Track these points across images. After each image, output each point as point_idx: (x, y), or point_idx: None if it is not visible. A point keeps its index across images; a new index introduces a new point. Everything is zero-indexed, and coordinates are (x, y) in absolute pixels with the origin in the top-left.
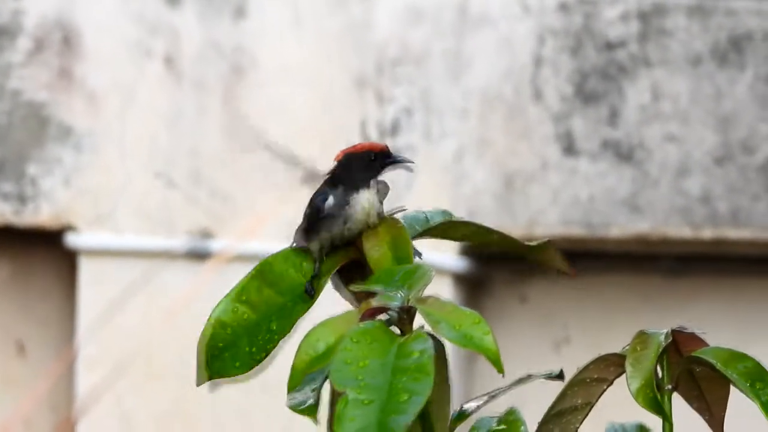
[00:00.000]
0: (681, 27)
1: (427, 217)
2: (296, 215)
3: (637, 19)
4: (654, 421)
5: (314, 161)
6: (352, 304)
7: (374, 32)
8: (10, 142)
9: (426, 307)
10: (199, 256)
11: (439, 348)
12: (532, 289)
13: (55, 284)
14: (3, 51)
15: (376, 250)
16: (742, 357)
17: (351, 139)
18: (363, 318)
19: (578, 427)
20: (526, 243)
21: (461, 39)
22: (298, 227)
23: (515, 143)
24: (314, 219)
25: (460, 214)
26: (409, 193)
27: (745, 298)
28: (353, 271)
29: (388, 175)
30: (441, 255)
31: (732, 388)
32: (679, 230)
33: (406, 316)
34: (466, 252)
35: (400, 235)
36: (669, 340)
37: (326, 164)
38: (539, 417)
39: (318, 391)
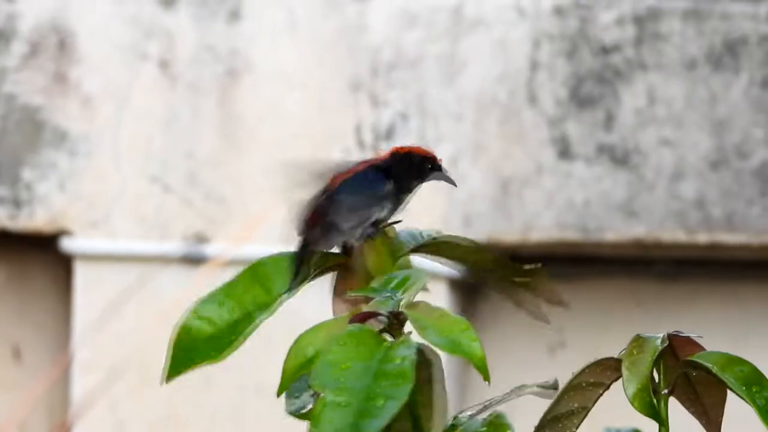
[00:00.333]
0: (676, 31)
1: (421, 235)
2: (291, 219)
3: (633, 23)
4: (650, 426)
5: (309, 165)
6: (336, 308)
7: (369, 36)
8: (5, 147)
9: (414, 313)
10: (194, 260)
11: (433, 356)
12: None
13: (50, 289)
14: None
15: (376, 255)
16: (739, 361)
17: (346, 143)
18: (352, 322)
19: None
20: (520, 267)
21: (456, 43)
22: (340, 205)
23: (510, 147)
24: (373, 200)
25: (456, 218)
26: None
27: (741, 302)
28: (339, 275)
29: None
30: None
31: (729, 392)
32: (674, 234)
33: (396, 321)
34: None
35: (399, 242)
36: (665, 344)
37: (322, 165)
38: (535, 422)
39: (317, 396)
